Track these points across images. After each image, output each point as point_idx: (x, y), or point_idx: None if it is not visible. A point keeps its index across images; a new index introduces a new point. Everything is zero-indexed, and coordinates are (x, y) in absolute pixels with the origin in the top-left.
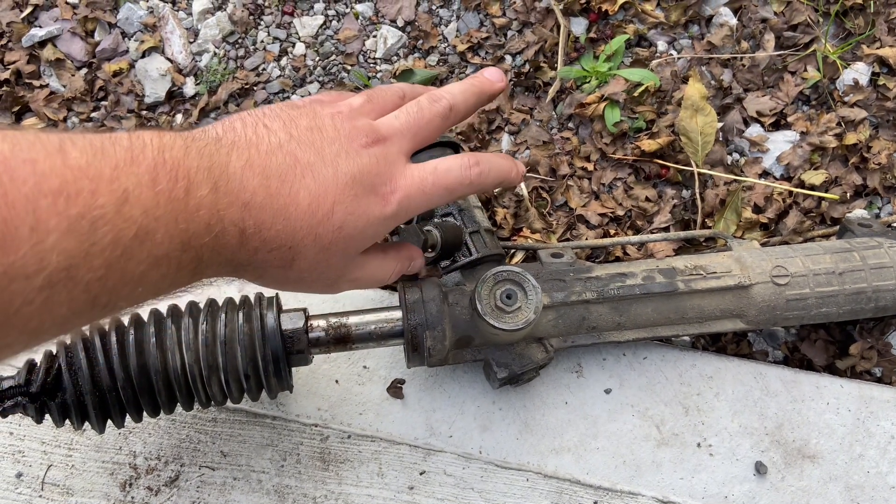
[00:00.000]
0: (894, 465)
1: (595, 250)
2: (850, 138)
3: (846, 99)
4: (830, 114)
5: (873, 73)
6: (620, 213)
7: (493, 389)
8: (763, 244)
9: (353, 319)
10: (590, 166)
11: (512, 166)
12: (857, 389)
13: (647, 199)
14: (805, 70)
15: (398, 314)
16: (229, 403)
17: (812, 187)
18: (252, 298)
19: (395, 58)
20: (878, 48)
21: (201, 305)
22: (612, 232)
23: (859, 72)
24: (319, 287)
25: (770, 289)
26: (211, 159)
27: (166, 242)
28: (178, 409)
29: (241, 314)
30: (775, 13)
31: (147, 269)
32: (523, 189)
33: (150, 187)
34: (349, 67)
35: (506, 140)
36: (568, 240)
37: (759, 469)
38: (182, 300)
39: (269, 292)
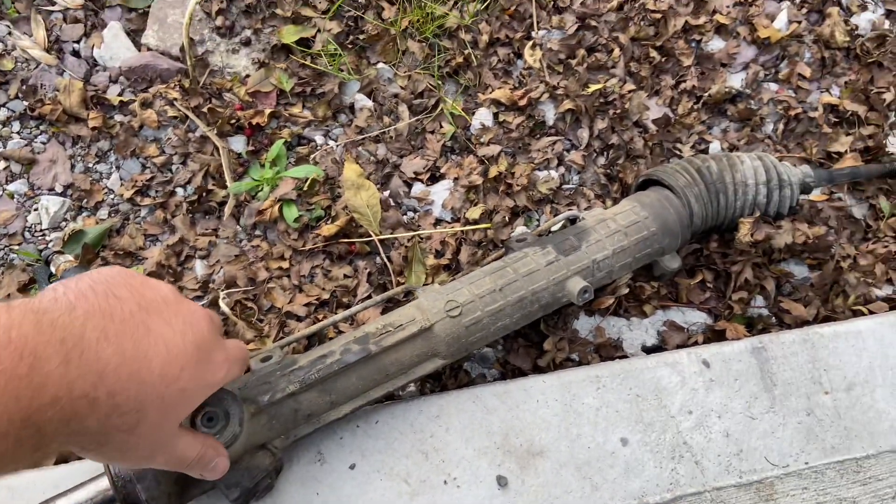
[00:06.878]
0: (607, 432)
1: (311, 339)
2: (493, 171)
3: (481, 140)
4: (470, 156)
5: (494, 114)
6: (326, 296)
7: None
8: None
9: (61, 502)
10: (285, 264)
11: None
12: (556, 380)
13: (346, 276)
14: (441, 127)
15: (105, 480)
16: None
17: (475, 222)
18: None
19: (64, 223)
20: (490, 93)
21: None
22: (320, 316)
23: (483, 116)
24: (144, 452)
25: (448, 323)
26: (65, 330)
27: (3, 421)
28: None
29: None
30: (402, 87)
31: None
32: (224, 306)
33: None
34: (16, 248)
35: (199, 266)
36: (282, 338)
37: (501, 482)
38: None
39: None
